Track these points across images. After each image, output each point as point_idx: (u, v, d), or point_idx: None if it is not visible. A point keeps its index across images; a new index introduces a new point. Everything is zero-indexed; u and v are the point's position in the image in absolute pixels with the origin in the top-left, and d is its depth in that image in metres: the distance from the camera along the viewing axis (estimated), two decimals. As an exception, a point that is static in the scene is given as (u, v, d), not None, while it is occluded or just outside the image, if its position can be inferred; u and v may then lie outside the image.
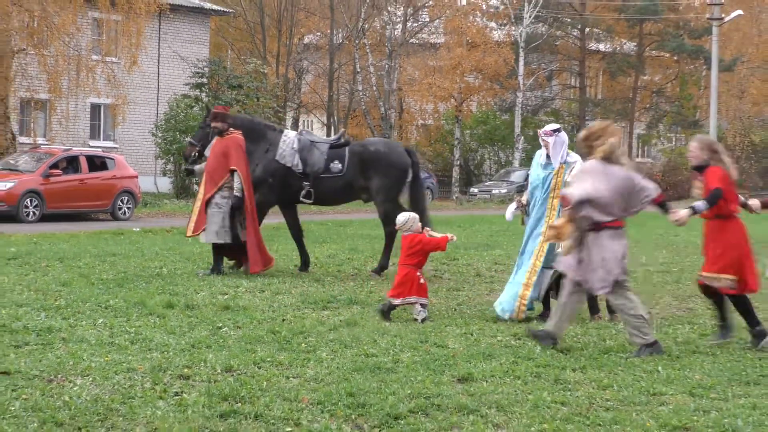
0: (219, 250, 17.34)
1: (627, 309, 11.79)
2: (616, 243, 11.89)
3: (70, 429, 7.92)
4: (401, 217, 14.22)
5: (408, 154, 19.18)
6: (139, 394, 8.96)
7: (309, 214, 28.57)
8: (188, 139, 19.62)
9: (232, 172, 16.97)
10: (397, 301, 13.71)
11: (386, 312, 13.62)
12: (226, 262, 17.90)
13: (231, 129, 17.28)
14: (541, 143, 14.21)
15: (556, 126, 14.47)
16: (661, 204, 12.48)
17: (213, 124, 17.42)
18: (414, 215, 14.31)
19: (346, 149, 18.57)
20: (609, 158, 12.03)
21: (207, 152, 17.84)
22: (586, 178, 12.09)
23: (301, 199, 18.48)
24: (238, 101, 43.82)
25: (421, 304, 13.66)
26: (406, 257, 13.86)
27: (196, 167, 18.71)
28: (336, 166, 18.25)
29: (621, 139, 14.73)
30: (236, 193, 16.98)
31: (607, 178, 11.70)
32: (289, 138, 18.33)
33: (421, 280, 13.77)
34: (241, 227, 17.17)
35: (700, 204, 11.91)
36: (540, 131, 14.42)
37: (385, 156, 18.79)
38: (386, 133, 52.20)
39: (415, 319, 13.53)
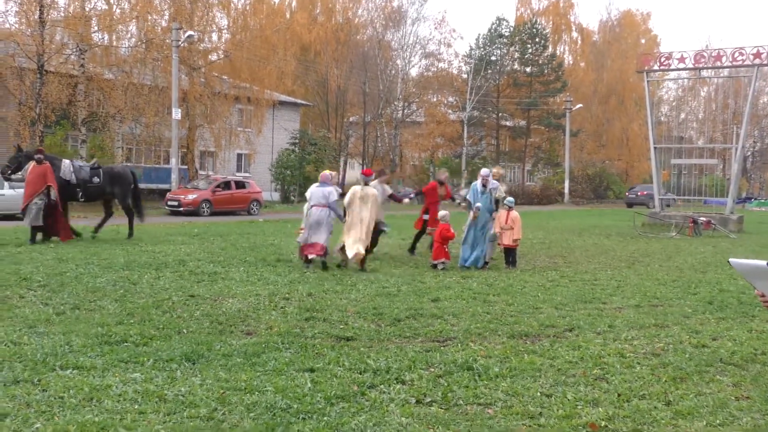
0: (35, 229, 15.96)
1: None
2: None
3: (226, 325, 7.92)
4: (441, 212, 14.07)
5: (132, 174, 18.37)
6: (262, 308, 8.97)
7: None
8: (6, 163, 18.04)
9: (49, 186, 15.94)
10: (435, 262, 13.54)
11: (433, 267, 13.43)
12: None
13: (44, 160, 16.28)
14: (481, 178, 14.27)
15: (488, 171, 14.54)
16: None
17: (36, 156, 16.38)
18: (448, 213, 14.09)
19: (101, 170, 17.73)
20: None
21: (24, 172, 16.69)
22: None
23: (78, 198, 17.54)
24: (314, 152, 43.82)
25: (443, 262, 13.46)
26: (438, 237, 13.64)
27: (14, 176, 17.98)
28: (96, 179, 17.44)
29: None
30: (53, 198, 15.99)
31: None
32: (66, 163, 17.24)
33: (446, 250, 13.62)
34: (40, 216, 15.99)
35: None
36: (482, 173, 14.41)
37: (121, 175, 18.05)
38: (393, 169, 52.10)
39: (436, 267, 13.40)
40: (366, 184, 13.52)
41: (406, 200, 16.65)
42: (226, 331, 7.68)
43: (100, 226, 18.03)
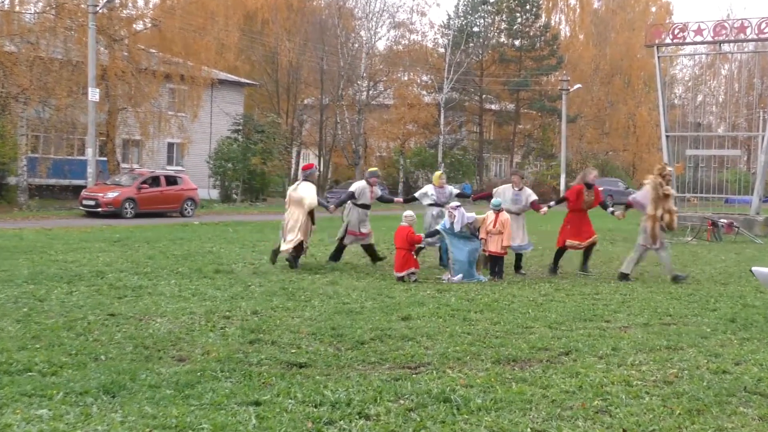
0: None
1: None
2: None
3: (153, 350, 7.86)
4: (406, 212, 13.74)
5: None
6: (197, 329, 8.92)
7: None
8: None
9: None
10: (401, 273, 13.41)
11: (399, 280, 13.33)
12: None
13: None
14: (448, 212, 14.10)
15: (457, 204, 14.22)
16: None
17: None
18: (413, 213, 13.79)
19: None
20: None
21: None
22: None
23: None
24: (261, 141, 43.65)
25: (413, 272, 13.44)
26: (404, 243, 13.50)
27: None
28: None
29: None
30: None
31: None
32: None
33: (415, 257, 13.75)
34: None
35: None
36: (451, 206, 14.17)
37: None
38: (356, 162, 52.21)
39: (404, 280, 13.32)
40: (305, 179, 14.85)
41: (544, 209, 15.33)
42: (154, 357, 7.62)
43: None
